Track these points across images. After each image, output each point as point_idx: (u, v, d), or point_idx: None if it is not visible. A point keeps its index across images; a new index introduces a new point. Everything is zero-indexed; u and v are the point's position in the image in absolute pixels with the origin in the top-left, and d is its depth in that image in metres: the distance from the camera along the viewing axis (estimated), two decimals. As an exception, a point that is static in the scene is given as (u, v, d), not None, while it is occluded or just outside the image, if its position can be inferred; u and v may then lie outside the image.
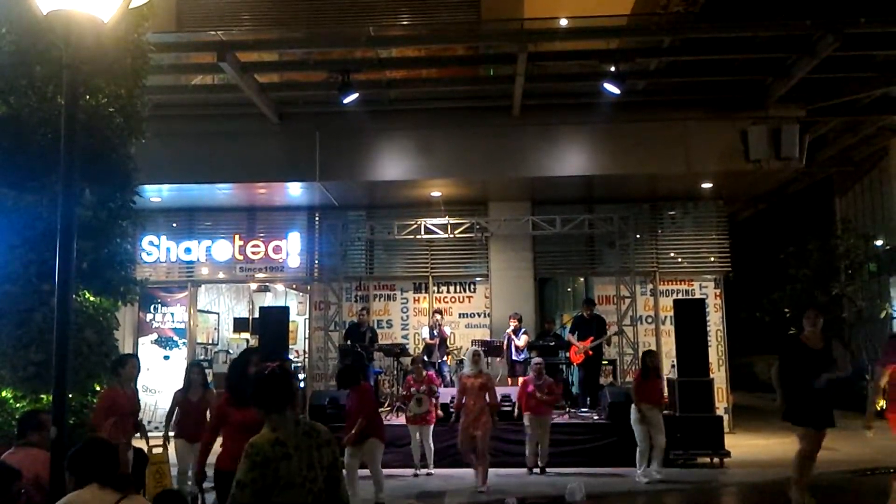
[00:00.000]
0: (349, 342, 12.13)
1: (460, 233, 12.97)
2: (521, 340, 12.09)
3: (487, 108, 12.21)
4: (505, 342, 12.09)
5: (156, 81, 9.33)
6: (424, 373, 9.78)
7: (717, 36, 10.69)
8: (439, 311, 12.89)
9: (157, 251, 13.87)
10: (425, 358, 11.55)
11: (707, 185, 12.98)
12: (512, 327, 12.09)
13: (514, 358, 12.06)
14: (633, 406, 9.24)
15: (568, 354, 12.18)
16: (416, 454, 9.65)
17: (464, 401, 8.76)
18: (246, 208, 14.23)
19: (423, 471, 9.65)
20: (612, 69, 10.58)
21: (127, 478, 3.41)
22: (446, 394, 10.64)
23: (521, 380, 10.83)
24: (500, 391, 10.17)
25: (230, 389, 5.08)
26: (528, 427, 9.73)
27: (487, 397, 8.70)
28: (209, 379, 14.03)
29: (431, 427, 9.63)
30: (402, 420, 10.01)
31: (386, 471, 8.50)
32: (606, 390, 11.10)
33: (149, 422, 11.90)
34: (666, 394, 11.42)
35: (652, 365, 9.34)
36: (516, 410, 10.17)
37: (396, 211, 13.70)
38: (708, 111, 12.00)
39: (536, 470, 9.80)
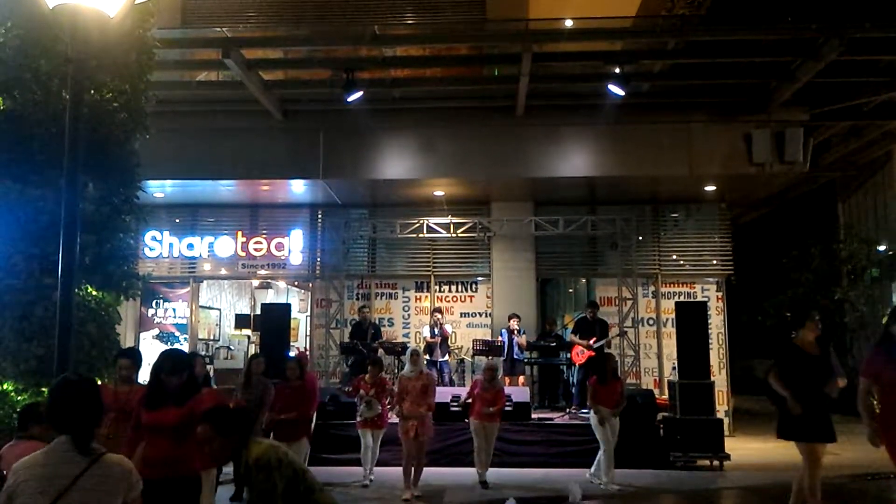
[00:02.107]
0: (354, 341, 12.14)
1: (462, 232, 12.98)
2: (523, 339, 12.13)
3: (491, 107, 12.22)
4: (506, 339, 12.09)
5: (160, 77, 9.34)
6: (379, 375, 9.07)
7: (722, 39, 10.69)
8: (439, 310, 12.87)
9: (159, 246, 13.88)
10: (424, 355, 11.51)
11: (710, 188, 12.97)
12: (515, 326, 12.09)
13: (515, 356, 12.07)
14: (591, 410, 9.04)
15: (569, 355, 12.18)
16: (366, 461, 9.02)
17: (404, 403, 8.34)
18: (249, 205, 14.25)
19: (372, 477, 9.11)
20: (617, 71, 10.57)
21: (91, 434, 2.93)
22: (446, 393, 10.65)
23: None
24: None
25: (147, 388, 4.69)
26: (474, 435, 9.18)
27: (428, 399, 8.37)
28: (210, 374, 14.17)
29: (383, 431, 9.09)
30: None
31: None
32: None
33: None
34: (666, 396, 11.45)
35: (610, 368, 9.18)
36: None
37: (399, 209, 13.69)
38: (712, 114, 11.99)
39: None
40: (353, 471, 9.15)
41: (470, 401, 9.34)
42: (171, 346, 13.60)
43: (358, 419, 9.03)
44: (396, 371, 12.18)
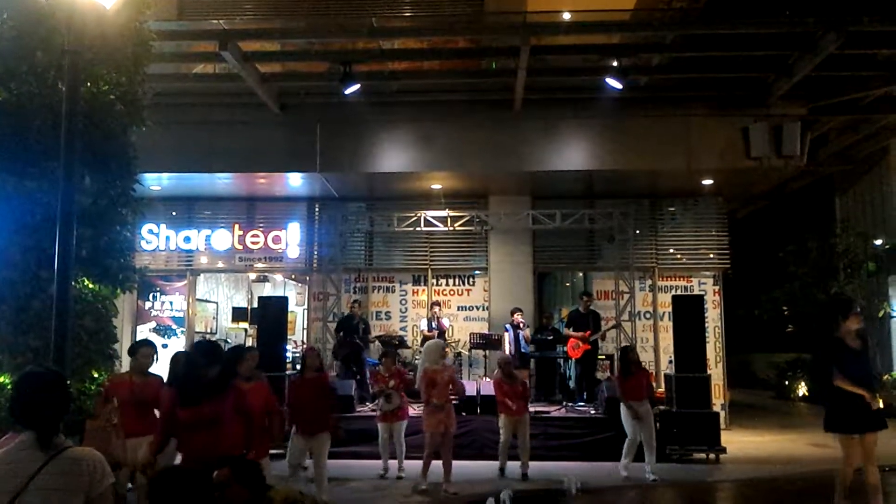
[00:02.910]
0: (342, 334, 12.07)
1: (460, 226, 12.97)
2: (528, 332, 12.12)
3: (489, 101, 12.19)
4: (510, 334, 12.08)
5: (157, 69, 9.31)
6: (394, 367, 9.13)
7: (720, 32, 10.67)
8: (437, 304, 12.88)
9: (156, 239, 13.85)
10: (420, 348, 11.56)
11: (707, 182, 12.97)
12: (521, 319, 12.08)
13: (523, 350, 12.09)
14: (622, 405, 9.05)
15: (566, 349, 12.20)
16: (385, 453, 9.05)
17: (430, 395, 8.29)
18: (246, 198, 14.22)
19: (394, 473, 9.02)
20: (615, 64, 10.57)
21: (56, 428, 2.78)
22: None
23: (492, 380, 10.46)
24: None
25: (179, 388, 4.68)
26: (503, 429, 9.13)
27: (455, 386, 8.52)
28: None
29: (404, 423, 8.97)
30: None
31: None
32: (604, 385, 11.10)
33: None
34: (663, 389, 11.48)
35: (632, 360, 9.15)
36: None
37: (396, 203, 13.68)
38: (710, 108, 11.98)
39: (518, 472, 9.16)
40: (353, 464, 9.18)
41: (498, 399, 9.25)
42: (203, 339, 13.52)
43: (378, 413, 9.00)
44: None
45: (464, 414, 10.13)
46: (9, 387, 6.97)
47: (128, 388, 6.08)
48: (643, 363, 12.96)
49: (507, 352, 11.84)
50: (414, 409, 9.57)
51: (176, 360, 6.83)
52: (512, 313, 12.28)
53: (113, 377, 6.69)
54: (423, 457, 8.37)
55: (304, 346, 14.37)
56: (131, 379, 6.17)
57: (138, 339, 13.51)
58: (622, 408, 9.05)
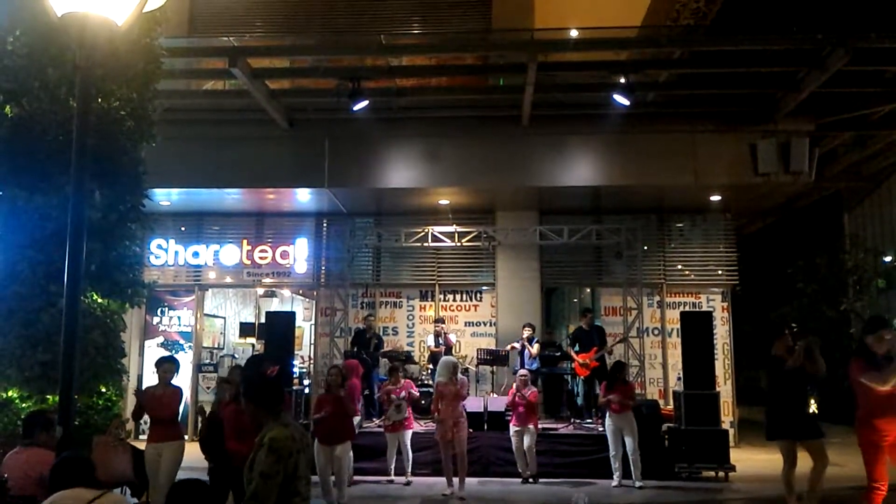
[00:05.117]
0: (355, 349, 12.11)
1: (467, 241, 12.96)
2: (535, 349, 12.08)
3: (496, 117, 12.23)
4: (518, 349, 12.03)
5: (167, 86, 9.38)
6: (402, 380, 9.78)
7: (728, 49, 10.69)
8: (441, 320, 12.81)
9: (165, 254, 13.90)
10: (427, 365, 11.66)
11: (715, 198, 12.95)
12: (526, 335, 12.04)
13: (526, 366, 12.01)
14: (607, 414, 9.68)
15: (573, 366, 12.12)
16: (392, 462, 9.59)
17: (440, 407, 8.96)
18: (254, 213, 14.27)
19: (401, 479, 9.54)
20: (622, 80, 10.58)
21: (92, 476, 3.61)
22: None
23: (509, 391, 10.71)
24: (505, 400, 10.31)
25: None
26: (513, 438, 9.82)
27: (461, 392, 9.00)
28: (213, 384, 14.18)
29: (410, 433, 9.59)
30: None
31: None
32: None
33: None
34: (671, 406, 11.40)
35: (620, 376, 9.76)
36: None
37: (404, 218, 13.69)
38: (717, 124, 11.99)
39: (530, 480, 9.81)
40: (359, 479, 9.17)
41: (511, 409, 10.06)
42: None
43: (386, 423, 9.55)
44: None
45: (470, 430, 10.07)
46: (16, 401, 6.99)
47: (150, 400, 7.14)
48: (651, 380, 13.08)
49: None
50: (420, 425, 10.07)
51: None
52: (523, 328, 12.22)
53: (145, 389, 7.52)
54: (429, 472, 9.36)
55: (311, 360, 14.40)
56: (154, 392, 7.19)
57: (146, 353, 13.74)
58: (606, 417, 9.67)
